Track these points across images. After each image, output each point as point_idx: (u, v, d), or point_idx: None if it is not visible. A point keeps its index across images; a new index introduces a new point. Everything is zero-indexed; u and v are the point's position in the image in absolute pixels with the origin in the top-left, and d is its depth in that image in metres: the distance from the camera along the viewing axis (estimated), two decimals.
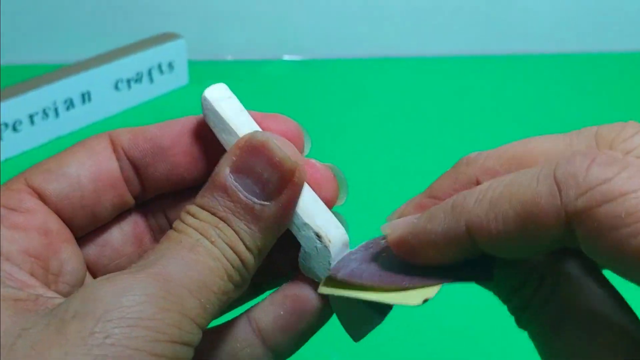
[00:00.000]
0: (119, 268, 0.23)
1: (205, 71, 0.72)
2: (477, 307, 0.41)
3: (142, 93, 0.67)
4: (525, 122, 0.65)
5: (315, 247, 0.23)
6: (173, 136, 0.24)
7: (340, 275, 0.22)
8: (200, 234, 0.21)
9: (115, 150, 0.24)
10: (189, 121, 0.24)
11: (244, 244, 0.21)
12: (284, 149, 0.21)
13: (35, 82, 0.60)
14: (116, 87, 0.65)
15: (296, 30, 0.77)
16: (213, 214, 0.21)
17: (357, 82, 0.73)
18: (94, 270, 0.25)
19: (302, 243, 0.23)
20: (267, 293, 0.24)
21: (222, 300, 0.21)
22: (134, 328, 0.18)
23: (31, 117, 0.60)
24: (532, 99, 0.69)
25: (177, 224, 0.22)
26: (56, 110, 0.61)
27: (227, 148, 0.23)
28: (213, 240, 0.21)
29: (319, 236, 0.23)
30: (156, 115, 0.65)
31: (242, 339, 0.23)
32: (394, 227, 0.21)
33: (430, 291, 0.20)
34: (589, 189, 0.17)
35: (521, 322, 0.21)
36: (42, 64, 0.71)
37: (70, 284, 0.23)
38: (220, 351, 0.23)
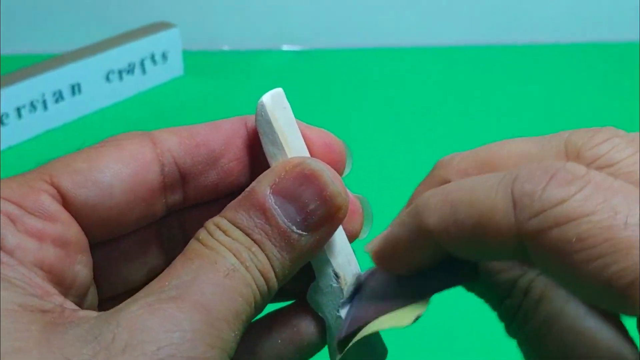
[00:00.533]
0: (121, 273, 0.24)
1: (200, 62, 0.71)
2: (474, 308, 0.41)
3: (135, 85, 0.67)
4: (530, 113, 0.65)
5: (331, 285, 0.23)
6: (225, 140, 0.23)
7: (344, 333, 0.22)
8: (235, 256, 0.20)
9: (160, 156, 0.22)
10: (237, 123, 0.24)
11: (274, 271, 0.21)
12: (336, 182, 0.21)
13: (22, 74, 0.60)
14: (107, 79, 0.65)
15: (295, 19, 0.76)
16: (247, 234, 0.21)
17: (359, 73, 0.72)
18: (97, 271, 0.23)
19: (317, 277, 0.23)
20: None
21: (245, 328, 0.20)
22: None
23: (18, 110, 0.59)
24: (539, 90, 0.69)
25: (206, 238, 0.21)
26: (44, 102, 0.61)
27: (270, 161, 0.23)
28: (247, 265, 0.20)
29: (337, 276, 0.23)
30: (150, 108, 0.65)
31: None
32: (374, 242, 0.21)
33: (420, 307, 0.20)
34: (542, 211, 0.17)
35: (509, 331, 0.22)
36: (29, 54, 0.70)
37: (79, 295, 0.22)
38: None
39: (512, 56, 0.75)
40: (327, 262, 0.23)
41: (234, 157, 0.23)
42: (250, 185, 0.21)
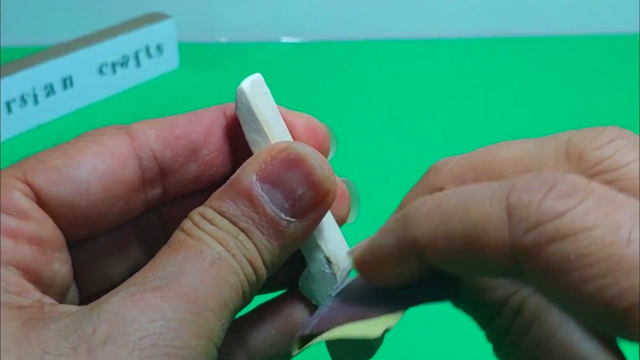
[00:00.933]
0: (100, 269, 0.23)
1: (196, 54, 0.71)
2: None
3: (129, 78, 0.66)
4: (531, 105, 0.65)
5: (323, 271, 0.23)
6: (205, 131, 0.23)
7: (309, 330, 0.21)
8: (221, 245, 0.20)
9: (138, 150, 0.22)
10: (217, 112, 0.23)
11: (262, 259, 0.21)
12: (324, 166, 0.21)
13: (12, 66, 0.59)
14: (100, 72, 0.64)
15: (295, 9, 0.76)
16: (234, 223, 0.21)
17: (360, 65, 0.72)
18: (75, 270, 0.23)
19: (309, 264, 0.23)
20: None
21: (233, 317, 0.20)
22: (169, 357, 0.18)
23: (8, 104, 0.59)
24: (540, 82, 0.69)
25: (191, 228, 0.21)
26: (35, 96, 0.60)
27: (253, 148, 0.22)
28: (234, 253, 0.20)
29: (329, 262, 0.23)
30: (144, 102, 0.65)
31: (226, 353, 0.23)
32: (357, 247, 0.21)
33: (391, 320, 0.20)
34: (539, 224, 0.16)
35: (498, 353, 0.21)
36: (19, 47, 0.70)
37: (60, 294, 0.22)
38: None
39: (514, 48, 0.75)
40: (318, 248, 0.22)
41: (214, 148, 0.23)
42: (235, 173, 0.21)
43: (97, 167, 0.21)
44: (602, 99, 0.64)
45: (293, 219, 0.21)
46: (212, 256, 0.20)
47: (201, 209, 0.21)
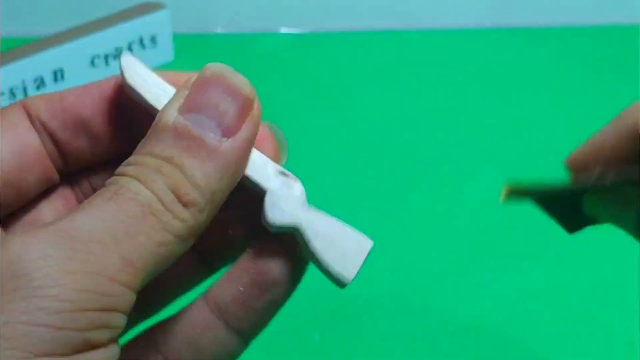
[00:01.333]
0: None
1: (192, 46, 0.70)
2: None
3: None
4: (531, 98, 0.65)
5: (283, 182, 0.22)
6: (93, 105, 0.23)
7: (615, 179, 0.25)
8: (136, 179, 0.19)
9: (32, 122, 0.23)
10: (106, 84, 0.23)
11: (192, 182, 0.20)
12: (239, 76, 0.21)
13: (0, 59, 0.59)
14: (92, 64, 0.64)
15: (294, 0, 0.76)
16: (158, 157, 0.20)
17: (361, 57, 0.71)
18: None
19: (265, 186, 0.22)
20: (223, 271, 0.24)
21: (159, 255, 0.19)
22: (31, 300, 0.17)
23: None
24: (542, 74, 0.69)
25: (112, 179, 0.20)
26: (25, 89, 0.60)
27: (156, 105, 0.22)
28: (150, 180, 0.19)
29: (284, 174, 0.22)
30: None
31: (202, 323, 0.22)
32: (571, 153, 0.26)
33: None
34: None
35: None
36: (8, 38, 0.69)
37: None
38: (180, 340, 0.22)
39: (515, 39, 0.75)
40: (266, 165, 0.22)
41: (103, 121, 0.23)
42: (156, 117, 0.21)
43: (4, 136, 0.22)
44: (602, 90, 0.65)
45: (225, 138, 0.20)
46: (111, 191, 0.19)
47: (128, 159, 0.20)
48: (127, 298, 0.18)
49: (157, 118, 0.21)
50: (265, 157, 0.22)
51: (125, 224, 0.18)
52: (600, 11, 0.77)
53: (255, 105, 0.21)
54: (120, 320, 0.18)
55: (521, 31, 0.76)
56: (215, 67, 0.21)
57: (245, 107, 0.21)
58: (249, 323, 0.22)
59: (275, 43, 0.74)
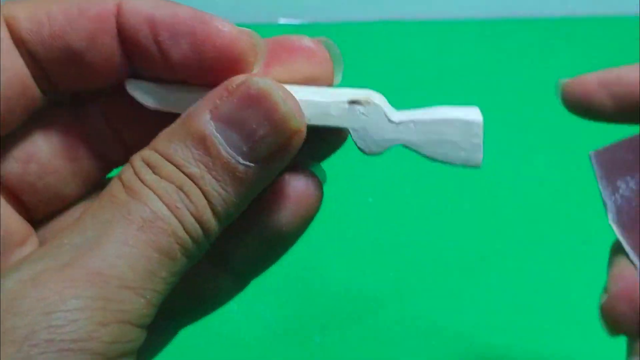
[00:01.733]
0: (49, 187, 0.22)
1: None
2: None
3: None
4: (533, 89, 0.65)
5: (359, 112, 0.20)
6: (87, 36, 0.20)
7: None
8: (161, 199, 0.18)
9: (16, 43, 0.20)
10: (106, 12, 0.20)
11: (213, 210, 0.19)
12: (289, 103, 0.19)
13: None
14: None
15: None
16: (181, 168, 0.19)
17: (361, 48, 0.71)
18: (19, 190, 0.22)
19: (344, 125, 0.20)
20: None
21: (172, 283, 0.19)
22: (65, 353, 0.16)
23: None
24: (544, 64, 0.69)
25: (129, 178, 0.19)
26: None
27: (181, 112, 0.20)
28: (177, 207, 0.18)
29: (354, 101, 0.20)
30: None
31: (212, 278, 0.22)
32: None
33: None
34: None
35: None
36: None
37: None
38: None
39: (519, 30, 0.74)
40: (334, 103, 0.20)
41: (100, 58, 0.20)
42: (187, 111, 0.19)
43: None
44: None
45: (252, 164, 0.19)
46: (141, 218, 0.18)
47: (145, 152, 0.19)
48: (143, 336, 0.18)
49: (187, 114, 0.19)
50: (326, 95, 0.20)
51: (151, 262, 0.18)
52: (601, 2, 0.77)
53: (297, 138, 0.19)
54: (134, 357, 0.18)
55: (522, 22, 0.76)
56: (264, 85, 0.19)
57: (284, 141, 0.19)
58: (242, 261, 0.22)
59: (274, 34, 0.72)
